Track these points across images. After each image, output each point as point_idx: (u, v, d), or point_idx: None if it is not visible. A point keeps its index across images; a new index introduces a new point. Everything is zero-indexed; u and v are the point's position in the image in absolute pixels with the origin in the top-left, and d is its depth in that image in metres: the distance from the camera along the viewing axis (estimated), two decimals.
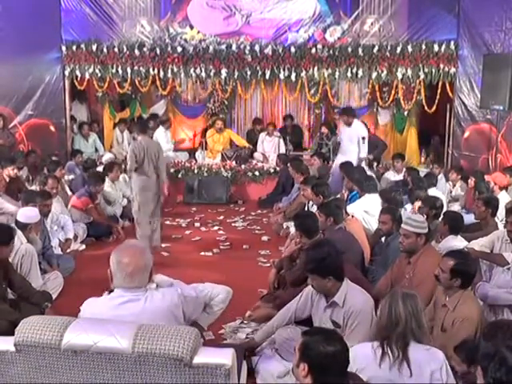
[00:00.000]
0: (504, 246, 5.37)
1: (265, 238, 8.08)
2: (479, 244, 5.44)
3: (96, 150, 11.07)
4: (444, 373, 3.16)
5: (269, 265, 6.66)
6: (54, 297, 5.38)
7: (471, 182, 8.42)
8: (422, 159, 11.11)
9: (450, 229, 5.55)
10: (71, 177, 9.01)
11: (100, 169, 9.17)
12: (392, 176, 9.18)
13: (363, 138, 8.76)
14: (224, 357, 2.57)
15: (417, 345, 3.18)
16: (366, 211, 7.02)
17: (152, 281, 3.12)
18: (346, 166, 8.35)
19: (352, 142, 8.81)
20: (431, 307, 4.20)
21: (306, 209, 7.61)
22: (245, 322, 5.10)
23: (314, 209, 7.09)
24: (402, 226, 4.90)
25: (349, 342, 3.82)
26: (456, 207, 8.15)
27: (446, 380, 3.15)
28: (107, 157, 10.36)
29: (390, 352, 3.11)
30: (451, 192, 8.75)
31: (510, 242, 5.32)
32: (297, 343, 2.72)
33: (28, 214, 5.75)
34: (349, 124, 8.81)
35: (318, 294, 4.18)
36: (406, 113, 11.22)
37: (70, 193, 8.24)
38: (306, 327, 3.92)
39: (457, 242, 5.47)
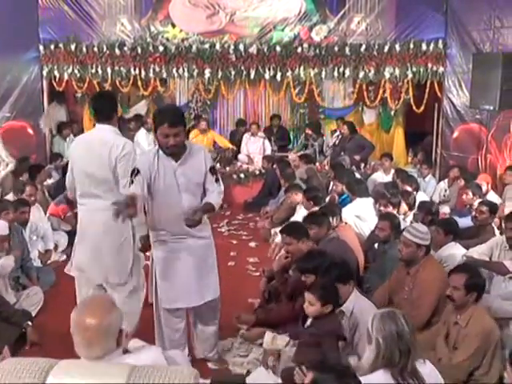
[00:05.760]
0: (503, 253, 5.22)
1: (252, 244, 7.84)
2: (478, 252, 5.26)
3: None
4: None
5: (258, 274, 6.43)
6: (33, 314, 5.12)
7: (460, 182, 8.30)
8: (409, 159, 10.95)
9: (449, 236, 5.39)
10: (50, 181, 8.68)
11: None
12: (380, 177, 8.98)
13: None
14: None
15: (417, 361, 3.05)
16: (357, 216, 6.83)
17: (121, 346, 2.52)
18: (335, 168, 8.15)
19: None
20: (440, 325, 4.03)
21: (295, 213, 7.41)
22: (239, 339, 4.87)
23: (303, 213, 6.90)
24: (404, 234, 4.72)
25: (352, 357, 3.69)
26: (446, 209, 8.00)
27: None
28: None
29: None
30: (446, 191, 8.61)
31: (509, 249, 5.16)
32: (307, 378, 2.49)
33: None
34: None
35: None
36: (392, 112, 11.07)
37: (50, 199, 7.90)
38: None
39: (455, 250, 5.31)
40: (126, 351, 2.61)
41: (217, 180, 4.20)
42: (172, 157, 3.99)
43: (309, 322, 3.94)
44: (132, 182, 3.88)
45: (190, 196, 4.07)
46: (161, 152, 3.99)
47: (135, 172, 3.92)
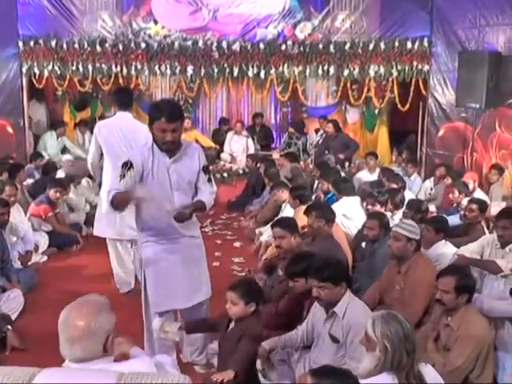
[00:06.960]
0: (494, 252, 5.13)
1: (237, 244, 7.73)
2: (469, 250, 5.18)
3: (62, 151, 10.51)
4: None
5: (244, 274, 6.34)
6: (13, 317, 4.95)
7: (447, 181, 8.27)
8: (394, 158, 10.91)
9: (440, 234, 5.31)
10: (30, 181, 8.48)
11: (61, 172, 8.64)
12: (365, 176, 8.92)
13: None
14: None
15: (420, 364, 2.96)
16: (344, 215, 6.73)
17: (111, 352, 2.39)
18: (321, 167, 8.06)
19: None
20: (429, 327, 3.95)
21: (280, 212, 7.30)
22: None
23: (288, 212, 6.80)
24: (394, 229, 4.68)
25: (353, 361, 3.57)
26: (432, 207, 7.95)
27: None
28: (65, 158, 9.77)
29: None
30: (432, 189, 8.57)
31: (501, 247, 5.09)
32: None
33: None
34: None
35: (318, 306, 3.89)
36: (376, 111, 11.02)
37: (30, 199, 7.70)
38: None
39: (446, 249, 5.24)
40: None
41: (209, 180, 4.05)
42: (166, 153, 3.79)
43: (232, 325, 3.76)
44: (124, 176, 3.70)
45: (182, 194, 3.88)
46: (155, 147, 3.78)
47: (128, 165, 3.71)
